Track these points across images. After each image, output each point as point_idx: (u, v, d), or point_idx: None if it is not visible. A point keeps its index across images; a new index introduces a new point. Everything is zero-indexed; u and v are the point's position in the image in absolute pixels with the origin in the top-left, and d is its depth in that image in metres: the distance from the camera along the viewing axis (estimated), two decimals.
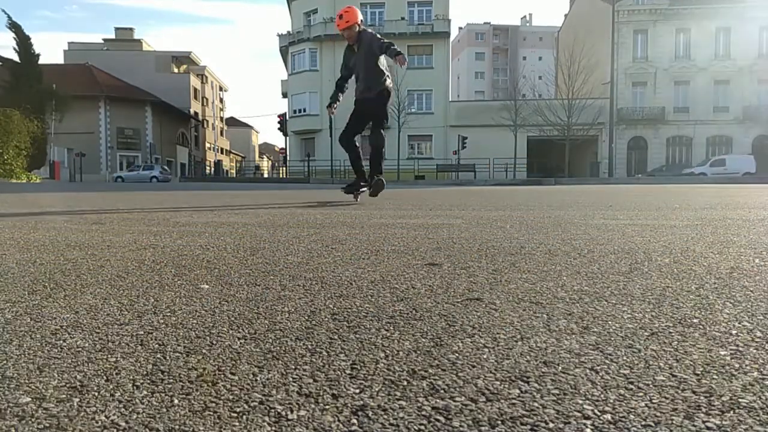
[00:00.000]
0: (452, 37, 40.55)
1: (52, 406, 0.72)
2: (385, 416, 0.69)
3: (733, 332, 1.03)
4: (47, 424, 0.67)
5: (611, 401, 0.72)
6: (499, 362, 0.87)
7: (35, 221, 3.43)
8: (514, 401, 0.73)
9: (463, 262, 1.85)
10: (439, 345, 0.96)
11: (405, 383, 0.79)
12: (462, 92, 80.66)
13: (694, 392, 0.75)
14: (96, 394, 0.76)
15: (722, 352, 0.92)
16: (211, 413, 0.69)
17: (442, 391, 0.76)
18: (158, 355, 0.91)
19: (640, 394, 0.75)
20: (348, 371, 0.84)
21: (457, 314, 1.17)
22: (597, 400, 0.73)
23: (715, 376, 0.81)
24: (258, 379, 0.81)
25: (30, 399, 0.75)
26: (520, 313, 1.17)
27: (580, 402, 0.72)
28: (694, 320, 1.12)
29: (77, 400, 0.74)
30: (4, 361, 0.88)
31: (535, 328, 1.06)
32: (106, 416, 0.69)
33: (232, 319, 1.13)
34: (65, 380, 0.81)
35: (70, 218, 3.70)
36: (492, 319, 1.12)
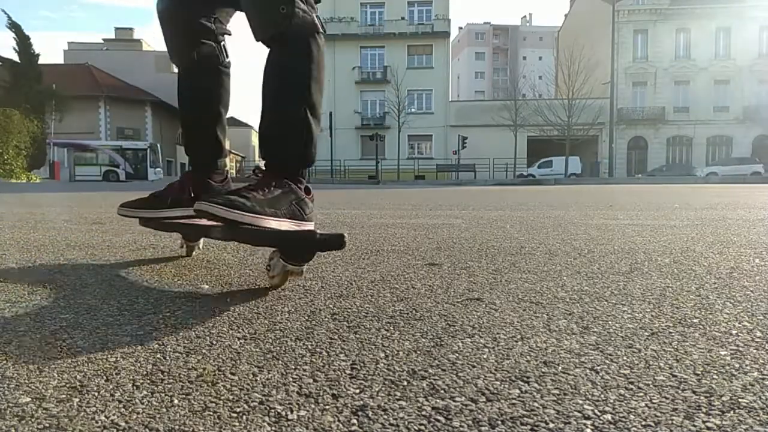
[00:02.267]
0: (452, 37, 40.57)
1: (52, 406, 0.73)
2: (385, 416, 0.68)
3: (733, 332, 1.03)
4: (47, 424, 0.68)
5: (611, 401, 0.72)
6: (499, 362, 0.87)
7: (35, 221, 3.42)
8: (514, 401, 0.73)
9: (463, 262, 1.85)
10: (439, 345, 0.96)
11: (405, 383, 0.79)
12: (462, 92, 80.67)
13: (694, 392, 0.75)
14: (96, 394, 0.76)
15: (722, 352, 0.91)
16: (211, 413, 0.69)
17: (442, 391, 0.76)
18: (158, 355, 0.91)
19: (640, 394, 0.75)
20: (348, 371, 0.84)
21: (457, 314, 1.17)
22: (597, 400, 0.73)
23: (715, 376, 0.81)
24: (258, 379, 0.81)
25: (30, 399, 0.75)
26: (520, 313, 1.17)
27: (581, 402, 0.72)
28: (694, 320, 1.11)
29: (77, 400, 0.75)
30: (4, 361, 0.88)
31: (535, 328, 1.06)
32: (106, 416, 0.69)
33: (232, 319, 1.13)
34: (65, 380, 0.81)
35: (70, 218, 3.70)
36: (492, 319, 1.12)
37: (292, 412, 0.70)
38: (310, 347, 0.95)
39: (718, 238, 2.50)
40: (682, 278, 1.56)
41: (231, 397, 0.74)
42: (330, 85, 36.56)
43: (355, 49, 36.59)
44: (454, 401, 0.73)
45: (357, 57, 36.64)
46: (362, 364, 0.86)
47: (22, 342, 0.98)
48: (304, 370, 0.84)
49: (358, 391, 0.76)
